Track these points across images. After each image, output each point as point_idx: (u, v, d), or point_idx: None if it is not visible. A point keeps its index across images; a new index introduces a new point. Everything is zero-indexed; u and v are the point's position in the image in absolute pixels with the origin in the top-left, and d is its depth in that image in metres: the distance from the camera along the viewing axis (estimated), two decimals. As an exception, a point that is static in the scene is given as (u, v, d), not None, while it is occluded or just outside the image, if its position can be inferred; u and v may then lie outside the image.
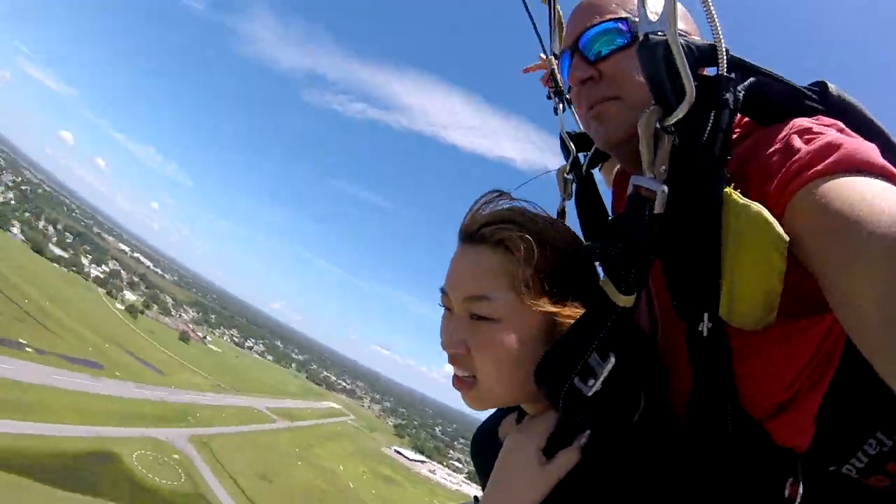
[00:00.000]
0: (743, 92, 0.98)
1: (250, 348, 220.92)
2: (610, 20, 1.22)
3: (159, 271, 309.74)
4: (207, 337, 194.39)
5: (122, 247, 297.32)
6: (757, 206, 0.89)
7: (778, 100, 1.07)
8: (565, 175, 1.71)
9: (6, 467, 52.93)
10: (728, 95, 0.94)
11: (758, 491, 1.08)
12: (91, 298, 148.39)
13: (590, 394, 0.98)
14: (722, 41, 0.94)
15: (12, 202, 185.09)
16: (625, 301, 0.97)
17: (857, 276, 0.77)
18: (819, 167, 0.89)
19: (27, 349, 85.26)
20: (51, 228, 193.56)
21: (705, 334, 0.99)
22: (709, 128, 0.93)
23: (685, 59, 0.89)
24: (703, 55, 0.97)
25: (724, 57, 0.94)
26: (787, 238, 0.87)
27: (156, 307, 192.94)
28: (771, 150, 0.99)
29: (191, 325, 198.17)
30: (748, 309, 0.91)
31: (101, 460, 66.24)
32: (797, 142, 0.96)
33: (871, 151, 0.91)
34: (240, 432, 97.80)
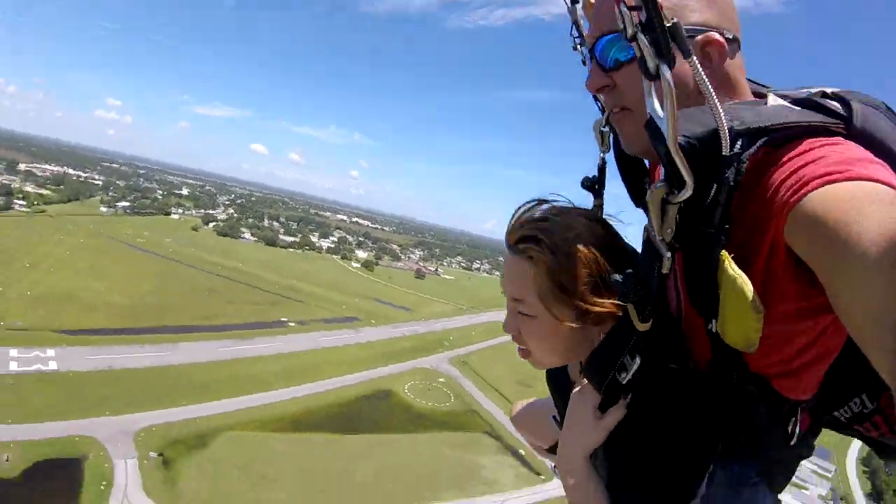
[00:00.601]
0: (746, 162, 1.04)
1: (477, 269, 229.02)
2: (612, 32, 1.22)
3: (379, 226, 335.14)
4: (438, 269, 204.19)
5: (341, 217, 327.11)
6: (742, 280, 1.03)
7: (792, 133, 1.08)
8: (601, 128, 1.64)
9: (300, 428, 59.82)
10: (729, 173, 1.03)
11: (769, 425, 1.35)
12: (330, 266, 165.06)
13: (624, 382, 1.27)
14: (724, 124, 0.98)
15: (235, 216, 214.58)
16: (643, 327, 1.18)
17: (848, 278, 0.83)
18: (818, 181, 0.94)
19: (290, 324, 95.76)
20: (275, 223, 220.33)
21: (714, 330, 1.16)
22: (709, 202, 1.04)
23: (684, 159, 0.94)
24: (706, 144, 1.00)
25: (728, 140, 1.00)
26: (762, 308, 1.02)
27: (386, 257, 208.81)
28: (779, 169, 1.04)
29: (421, 263, 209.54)
30: (734, 340, 1.12)
31: (378, 398, 72.01)
32: (802, 160, 1.01)
33: (873, 166, 0.95)
34: (490, 346, 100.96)
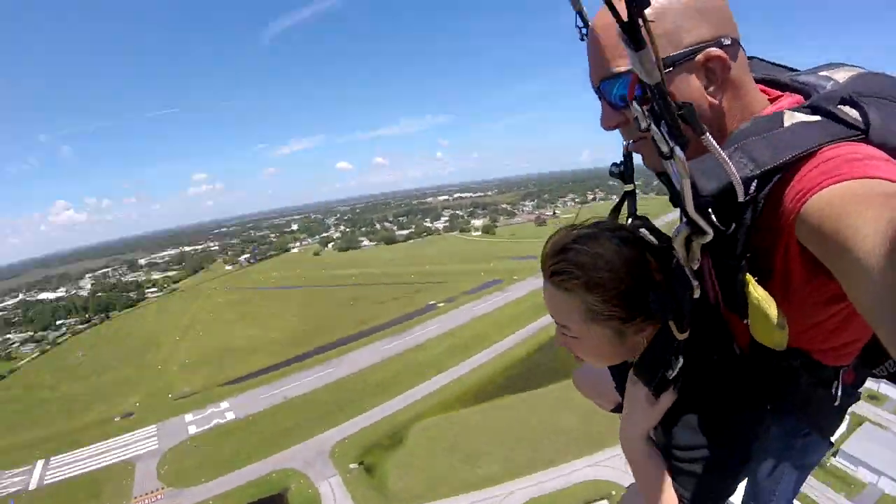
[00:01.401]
0: (762, 201, 1.09)
1: (593, 200, 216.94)
2: (616, 76, 1.23)
3: (481, 193, 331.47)
4: (556, 212, 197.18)
5: (443, 198, 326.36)
6: (765, 302, 1.11)
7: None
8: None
9: (485, 397, 56.50)
10: (747, 215, 1.09)
11: (814, 389, 1.44)
12: (453, 243, 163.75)
13: (671, 377, 1.39)
14: (738, 180, 1.01)
15: (347, 230, 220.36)
16: (682, 336, 1.27)
17: (851, 268, 0.86)
18: (824, 182, 0.98)
19: (439, 306, 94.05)
20: (386, 224, 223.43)
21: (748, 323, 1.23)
22: (729, 237, 1.11)
23: (701, 219, 0.99)
24: (723, 196, 1.05)
25: (742, 191, 1.03)
26: (785, 325, 1.11)
27: (501, 218, 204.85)
28: (791, 184, 1.05)
29: (536, 212, 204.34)
30: (763, 342, 1.20)
31: (552, 347, 67.08)
32: (811, 165, 1.04)
33: (877, 163, 0.98)
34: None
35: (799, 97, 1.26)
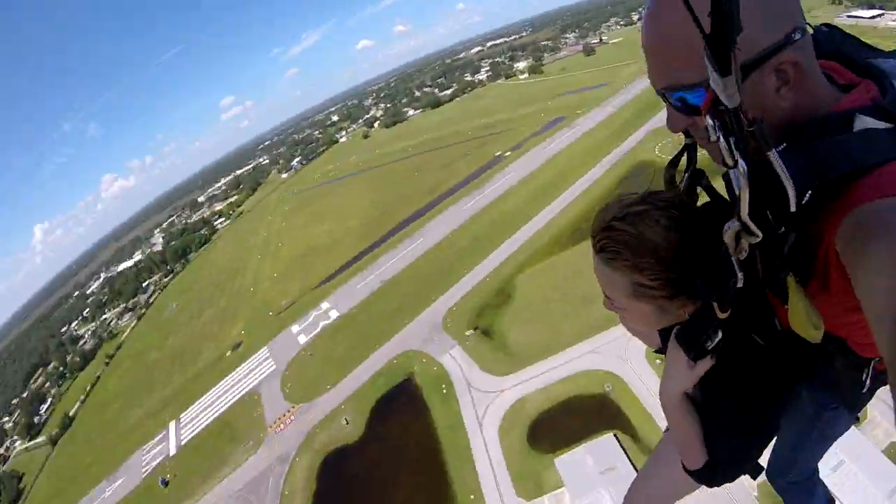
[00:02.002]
0: (815, 207, 1.09)
1: (639, 20, 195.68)
2: (687, 87, 1.20)
3: (516, 36, 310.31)
4: (602, 38, 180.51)
5: (476, 49, 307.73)
6: (803, 305, 1.14)
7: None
8: None
9: (583, 235, 50.49)
10: (798, 219, 1.08)
11: (846, 372, 1.49)
12: (501, 90, 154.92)
13: (710, 348, 1.45)
14: (793, 193, 1.02)
15: (388, 105, 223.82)
16: (723, 315, 1.33)
17: (863, 282, 0.89)
18: (875, 195, 0.98)
19: (506, 155, 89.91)
20: (425, 89, 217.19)
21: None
22: (777, 238, 1.12)
23: (754, 226, 1.04)
24: (777, 203, 1.05)
25: (795, 203, 1.03)
26: (821, 325, 1.13)
27: (544, 56, 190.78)
28: (851, 188, 1.05)
29: (581, 42, 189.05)
30: (799, 333, 1.21)
31: (637, 174, 61.70)
32: (873, 178, 1.03)
33: None
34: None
35: (874, 89, 1.19)
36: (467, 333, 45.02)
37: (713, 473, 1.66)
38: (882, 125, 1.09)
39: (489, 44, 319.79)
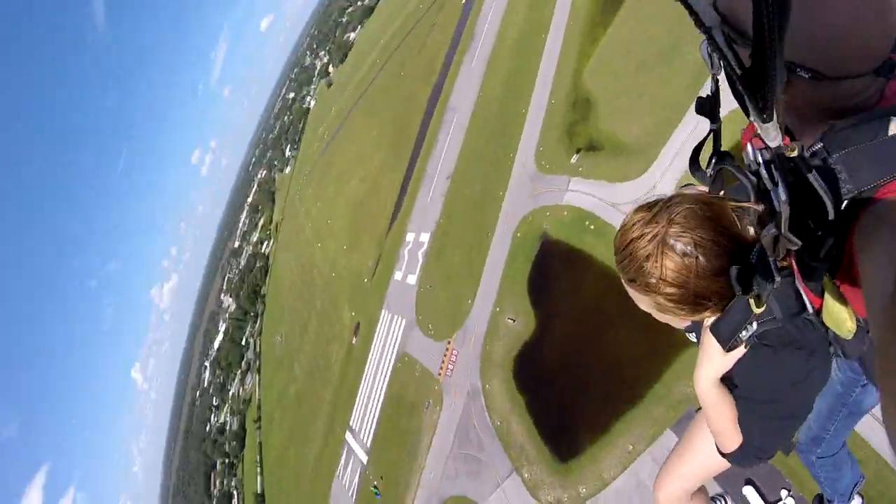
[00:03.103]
0: (850, 211, 1.10)
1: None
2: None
3: None
4: None
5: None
6: (837, 309, 1.22)
7: None
8: (709, 52, 1.62)
9: None
10: (835, 228, 1.10)
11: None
12: None
13: (744, 340, 1.49)
14: (830, 206, 1.04)
15: None
16: (759, 311, 1.38)
17: (864, 265, 0.94)
18: (891, 191, 1.01)
19: None
20: None
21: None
22: (814, 241, 1.13)
23: (795, 238, 1.06)
24: (816, 214, 1.07)
25: (834, 213, 1.05)
26: (854, 328, 1.21)
27: None
28: (881, 191, 1.07)
29: None
30: (836, 331, 1.30)
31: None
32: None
33: None
34: None
35: None
36: (573, 161, 38.50)
37: (747, 455, 1.70)
38: None
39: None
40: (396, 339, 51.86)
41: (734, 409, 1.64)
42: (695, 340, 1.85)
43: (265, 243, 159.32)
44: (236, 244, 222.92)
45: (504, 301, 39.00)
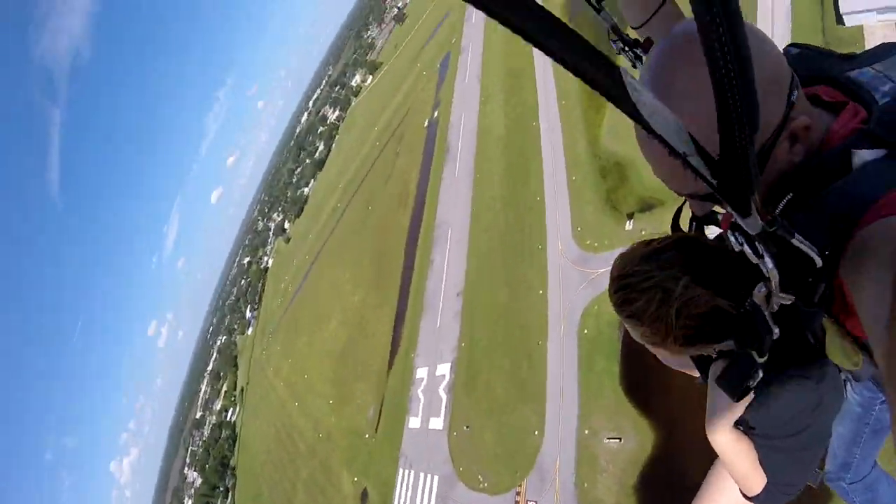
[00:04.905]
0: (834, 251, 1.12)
1: None
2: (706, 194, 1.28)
3: (325, 79, 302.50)
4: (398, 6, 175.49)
5: None
6: (839, 341, 1.25)
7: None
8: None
9: None
10: (822, 275, 1.11)
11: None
12: (371, 91, 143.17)
13: (752, 387, 1.44)
14: (819, 260, 1.05)
15: None
16: (762, 358, 1.36)
17: (858, 295, 0.98)
18: (872, 218, 1.02)
19: (436, 116, 78.18)
20: None
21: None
22: (806, 293, 1.15)
23: (786, 296, 1.11)
24: (803, 266, 1.08)
25: (820, 261, 1.06)
26: (859, 364, 1.24)
27: (367, 53, 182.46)
28: (860, 223, 1.07)
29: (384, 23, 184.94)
30: (841, 366, 1.34)
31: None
32: (877, 207, 1.05)
33: None
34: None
35: (861, 111, 1.23)
36: (628, 228, 32.12)
37: (775, 494, 1.66)
38: (877, 154, 1.12)
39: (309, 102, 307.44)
40: (430, 502, 40.56)
41: (753, 451, 1.61)
42: (701, 383, 1.75)
43: (230, 411, 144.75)
44: (198, 414, 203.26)
45: (593, 419, 29.89)
